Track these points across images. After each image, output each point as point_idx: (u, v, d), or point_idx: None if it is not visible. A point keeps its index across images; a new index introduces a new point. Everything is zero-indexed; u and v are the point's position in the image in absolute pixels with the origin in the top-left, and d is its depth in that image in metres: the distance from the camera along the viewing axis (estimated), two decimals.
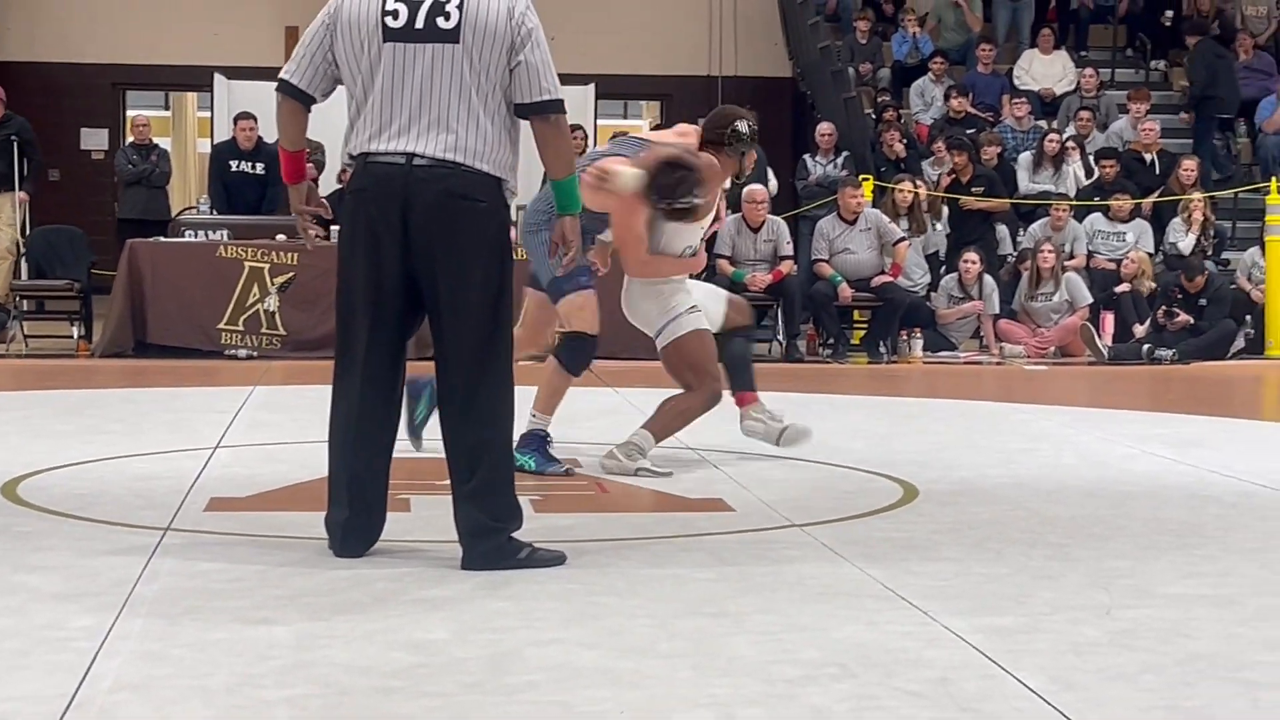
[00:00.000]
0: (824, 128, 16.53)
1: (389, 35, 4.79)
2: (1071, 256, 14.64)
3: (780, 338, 13.67)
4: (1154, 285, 14.24)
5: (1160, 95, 18.69)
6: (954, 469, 7.04)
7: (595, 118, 16.69)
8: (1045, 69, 18.32)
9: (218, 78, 16.60)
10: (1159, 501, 6.29)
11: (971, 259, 13.87)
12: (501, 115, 4.85)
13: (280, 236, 13.26)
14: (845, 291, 13.38)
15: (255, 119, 14.59)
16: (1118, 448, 7.93)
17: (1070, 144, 16.42)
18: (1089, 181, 15.84)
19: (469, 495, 4.85)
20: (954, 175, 15.19)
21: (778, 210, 15.55)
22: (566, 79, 14.15)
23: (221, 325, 12.97)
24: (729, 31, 19.95)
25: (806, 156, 16.66)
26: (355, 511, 4.95)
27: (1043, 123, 17.29)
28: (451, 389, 4.87)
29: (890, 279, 13.47)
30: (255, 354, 12.84)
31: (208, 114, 18.04)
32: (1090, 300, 13.85)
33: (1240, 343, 13.89)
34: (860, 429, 8.65)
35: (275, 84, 4.97)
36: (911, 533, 5.57)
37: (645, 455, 6.87)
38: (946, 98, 17.36)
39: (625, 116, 22.72)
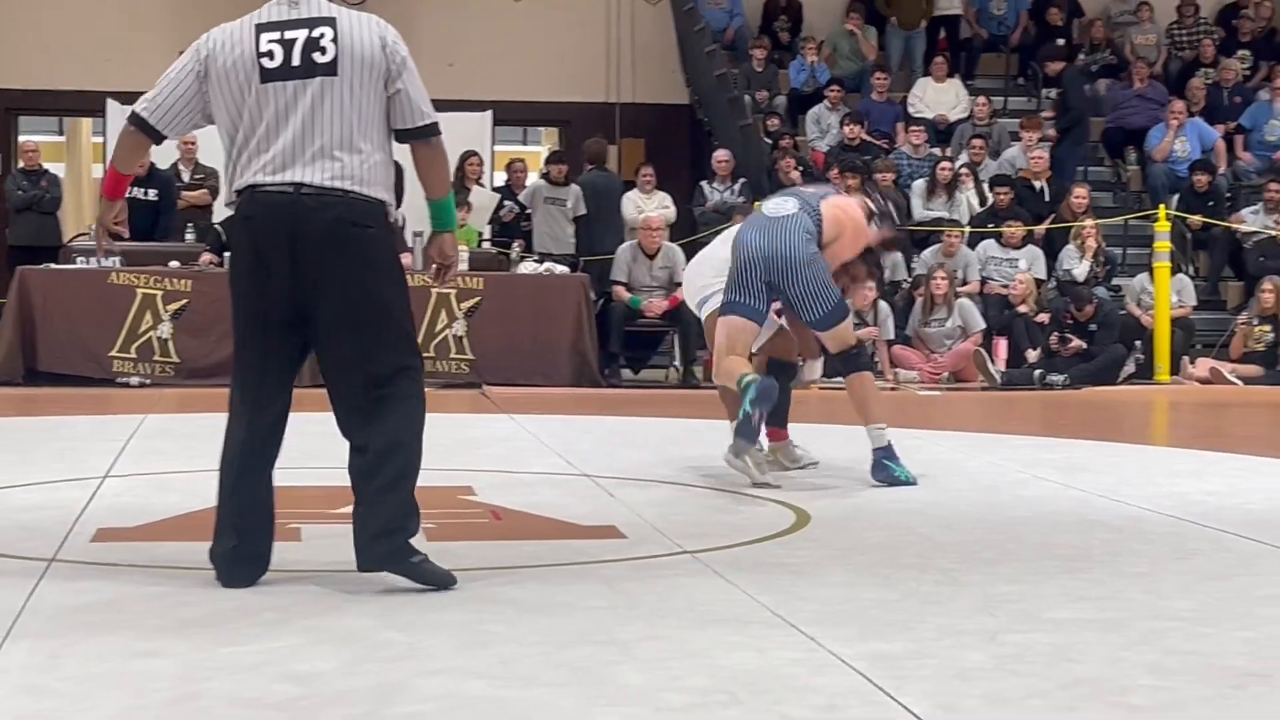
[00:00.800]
0: (721, 154, 16.60)
1: (266, 76, 4.95)
2: (965, 283, 14.77)
3: (677, 364, 13.70)
4: (1039, 309, 14.40)
5: (1052, 124, 18.92)
6: (846, 494, 7.08)
7: (493, 143, 16.68)
8: (939, 97, 18.51)
9: (111, 103, 16.44)
10: (1048, 526, 6.34)
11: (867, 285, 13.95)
12: (380, 141, 4.99)
13: (174, 263, 13.15)
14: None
15: None
16: (1008, 472, 8.00)
17: (964, 171, 16.60)
18: (982, 208, 16.01)
19: (372, 498, 4.91)
20: None
21: (675, 236, 15.60)
22: (465, 105, 14.12)
23: (113, 353, 12.84)
24: (627, 58, 20.01)
25: (704, 183, 16.73)
26: (242, 539, 4.95)
27: (937, 150, 17.46)
28: (352, 409, 4.93)
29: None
30: (148, 382, 12.71)
31: (102, 139, 17.85)
32: (983, 326, 13.98)
33: (1130, 368, 14.06)
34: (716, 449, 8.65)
35: (131, 118, 5.06)
36: (802, 558, 5.58)
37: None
38: (842, 125, 17.52)
39: (524, 142, 22.69)
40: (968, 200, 16.39)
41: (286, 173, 4.89)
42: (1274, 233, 15.47)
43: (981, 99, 18.39)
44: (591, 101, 19.92)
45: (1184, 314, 14.33)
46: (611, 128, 19.88)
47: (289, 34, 4.98)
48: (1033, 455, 8.75)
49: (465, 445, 8.81)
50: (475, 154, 15.74)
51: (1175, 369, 13.73)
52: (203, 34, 5.11)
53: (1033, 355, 13.97)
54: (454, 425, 9.12)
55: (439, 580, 4.91)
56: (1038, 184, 16.52)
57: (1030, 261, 15.11)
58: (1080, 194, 15.65)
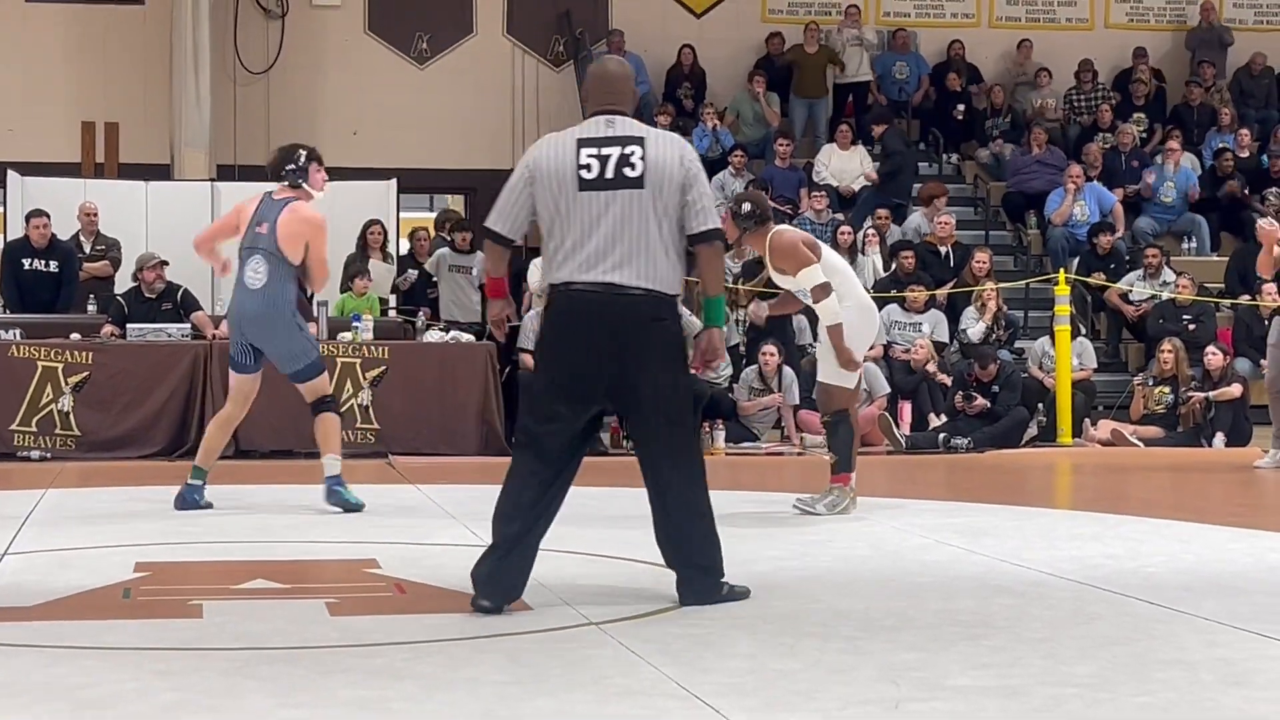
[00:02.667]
0: None
1: (584, 185, 5.79)
2: (870, 347, 14.87)
3: None
4: (942, 372, 14.54)
5: (954, 189, 19.17)
6: (751, 562, 7.10)
7: (398, 211, 16.65)
8: (843, 163, 18.69)
9: (11, 174, 16.33)
10: (950, 592, 6.40)
11: (770, 351, 14.04)
12: (675, 244, 5.85)
13: (75, 335, 13.04)
14: None
15: (48, 216, 14.39)
16: (912, 538, 8.06)
17: (871, 234, 16.76)
18: (886, 273, 16.17)
19: (682, 560, 6.01)
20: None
21: None
22: (368, 173, 14.09)
23: (13, 426, 12.70)
24: (531, 125, 20.05)
25: None
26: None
27: (840, 215, 17.61)
28: (655, 467, 5.99)
29: (693, 371, 13.57)
30: (49, 455, 12.59)
31: (1, 210, 17.71)
32: (888, 390, 14.10)
33: (1033, 430, 14.19)
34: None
35: (485, 232, 6.05)
36: (708, 629, 5.60)
37: None
38: (746, 187, 17.62)
39: (431, 209, 22.68)
40: (873, 264, 16.54)
41: (598, 270, 5.77)
42: (1173, 295, 15.69)
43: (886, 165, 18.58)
44: (497, 169, 19.86)
45: (1085, 376, 14.50)
46: None
47: (606, 150, 5.81)
48: (936, 520, 8.82)
49: (370, 516, 8.78)
50: (378, 222, 15.74)
51: (1077, 431, 13.87)
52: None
53: (937, 419, 14.09)
54: (359, 495, 9.09)
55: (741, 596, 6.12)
56: (943, 249, 16.69)
57: (933, 325, 15.26)
58: (981, 258, 15.84)
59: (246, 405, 9.17)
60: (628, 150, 5.82)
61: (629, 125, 5.89)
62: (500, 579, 5.86)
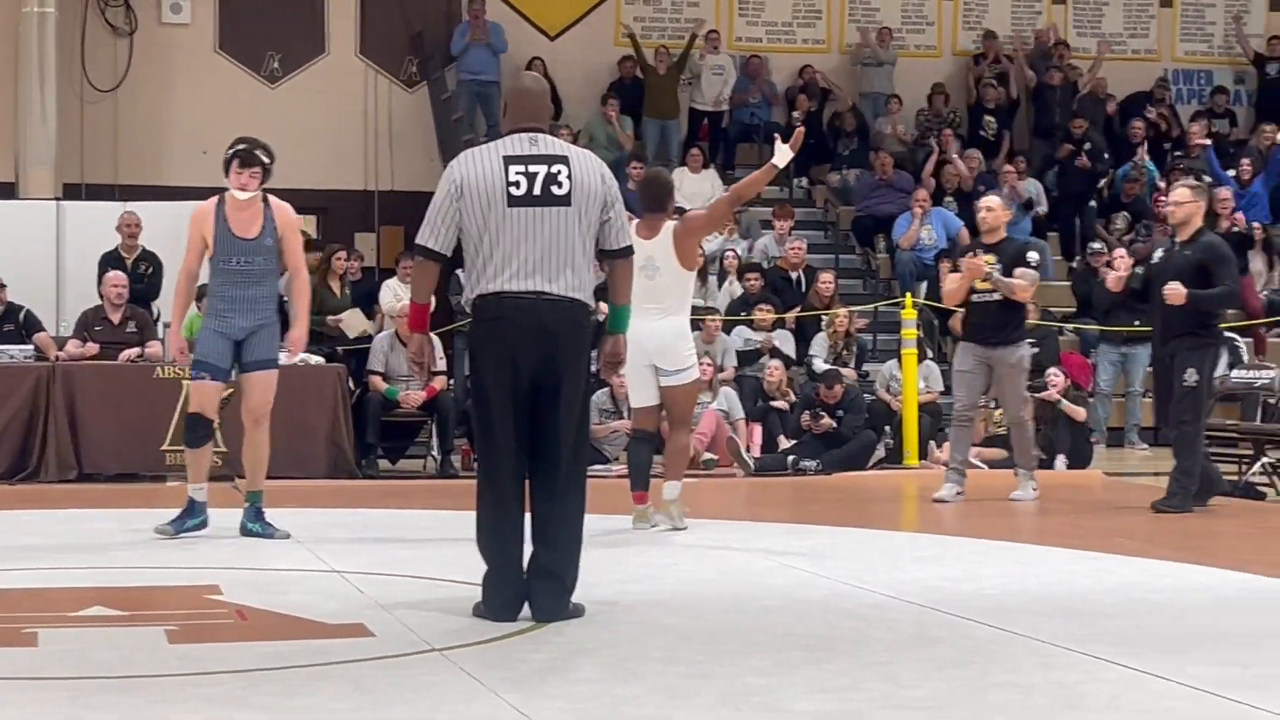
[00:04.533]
0: None
1: (513, 202, 6.03)
2: (722, 369, 14.96)
3: (435, 454, 13.66)
4: (791, 395, 14.65)
5: (804, 212, 19.34)
6: (596, 586, 7.08)
7: None
8: (695, 186, 18.76)
9: None
10: (795, 615, 6.44)
11: (621, 374, 14.03)
12: (591, 257, 6.17)
13: None
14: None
15: None
16: (758, 560, 8.11)
17: (730, 256, 16.84)
18: (736, 296, 16.26)
19: (545, 567, 6.12)
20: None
21: (433, 326, 15.53)
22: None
23: None
24: (384, 145, 19.97)
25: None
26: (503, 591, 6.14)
27: None
28: (553, 467, 6.11)
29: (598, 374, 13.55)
30: None
31: None
32: (742, 414, 14.16)
33: (880, 453, 14.31)
34: None
35: (418, 249, 6.19)
36: (552, 654, 5.60)
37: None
38: None
39: None
40: (729, 288, 16.62)
41: (530, 281, 6.02)
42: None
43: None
44: (349, 189, 19.82)
45: (931, 399, 14.65)
46: (370, 215, 19.82)
47: (533, 168, 6.04)
48: (783, 542, 8.87)
49: (214, 541, 8.67)
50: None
51: (923, 454, 14.01)
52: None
53: (785, 442, 14.17)
54: (209, 520, 8.96)
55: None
56: (794, 274, 16.81)
57: (781, 347, 15.36)
58: (826, 279, 15.98)
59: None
60: (554, 169, 6.09)
61: (551, 143, 6.17)
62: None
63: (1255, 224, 18.41)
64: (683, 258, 9.23)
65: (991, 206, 11.12)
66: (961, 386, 11.22)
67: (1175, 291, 10.28)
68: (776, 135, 10.27)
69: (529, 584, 6.19)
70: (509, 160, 6.08)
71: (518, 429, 6.09)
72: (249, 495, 8.93)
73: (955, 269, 11.52)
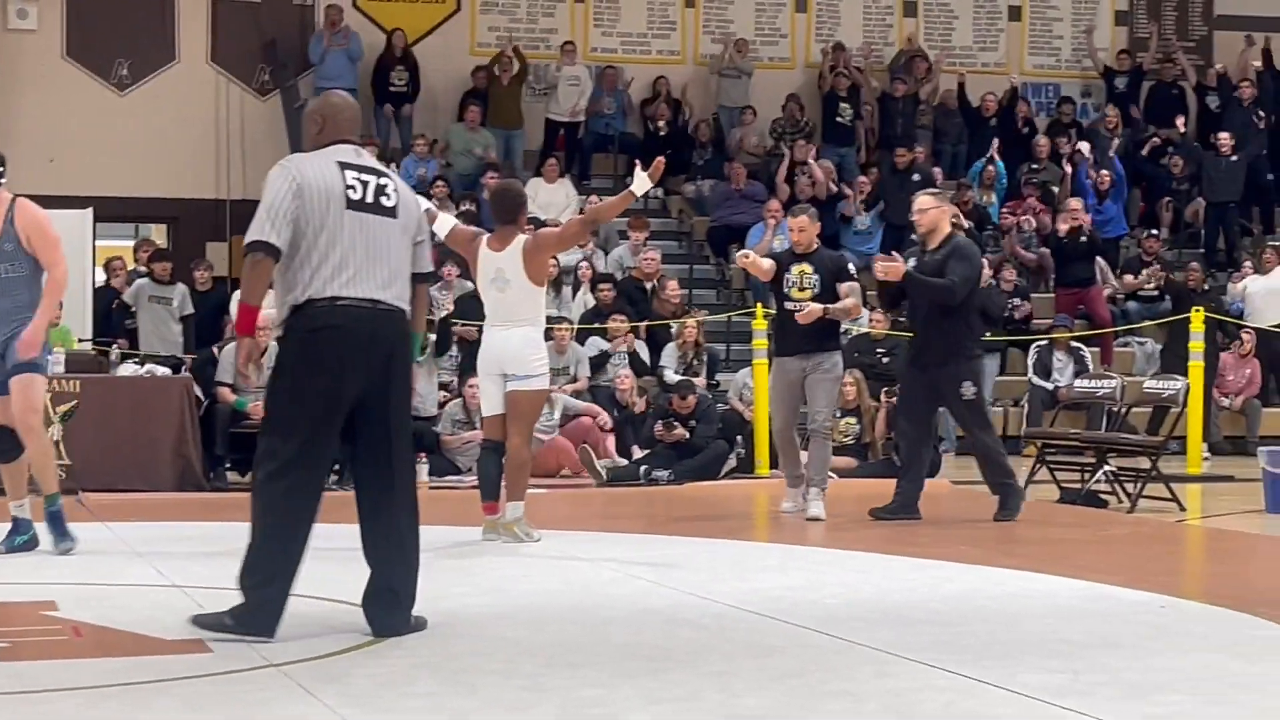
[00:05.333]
0: None
1: (350, 204, 5.99)
2: (575, 380, 14.99)
3: None
4: (641, 405, 14.72)
5: (659, 223, 19.43)
6: (441, 599, 7.08)
7: (94, 240, 16.20)
8: (550, 196, 18.82)
9: None
10: (636, 626, 6.48)
11: (475, 384, 13.98)
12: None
13: None
14: None
15: None
16: (604, 571, 8.15)
17: (584, 267, 16.87)
18: (589, 307, 16.31)
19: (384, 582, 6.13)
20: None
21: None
22: (64, 201, 13.76)
23: None
24: (236, 153, 19.81)
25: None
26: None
27: None
28: (386, 482, 6.11)
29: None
30: None
31: None
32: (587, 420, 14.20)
33: (732, 462, 14.41)
34: (352, 558, 8.60)
35: (257, 246, 5.92)
36: (390, 668, 5.60)
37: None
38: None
39: (135, 237, 22.20)
40: (582, 298, 16.66)
41: (363, 288, 5.95)
42: (867, 329, 16.07)
43: (594, 198, 18.72)
44: (200, 197, 19.64)
45: None
46: (221, 225, 19.64)
47: (365, 176, 6.03)
48: (630, 553, 8.93)
49: (53, 556, 8.55)
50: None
51: (775, 463, 14.11)
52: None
53: (638, 452, 14.23)
54: (46, 534, 8.82)
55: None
56: (648, 284, 16.88)
57: (632, 358, 15.44)
58: (672, 288, 16.07)
59: None
60: (382, 181, 6.11)
61: (370, 158, 6.22)
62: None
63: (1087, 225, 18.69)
64: (532, 273, 9.24)
65: (803, 226, 11.04)
66: (779, 407, 11.06)
67: (893, 266, 10.48)
68: (637, 162, 10.26)
69: (368, 600, 6.17)
70: (343, 165, 6.06)
71: (331, 443, 6.04)
72: (45, 500, 8.65)
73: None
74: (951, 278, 10.42)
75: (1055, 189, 20.07)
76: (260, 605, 5.96)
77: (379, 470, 6.12)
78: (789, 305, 10.87)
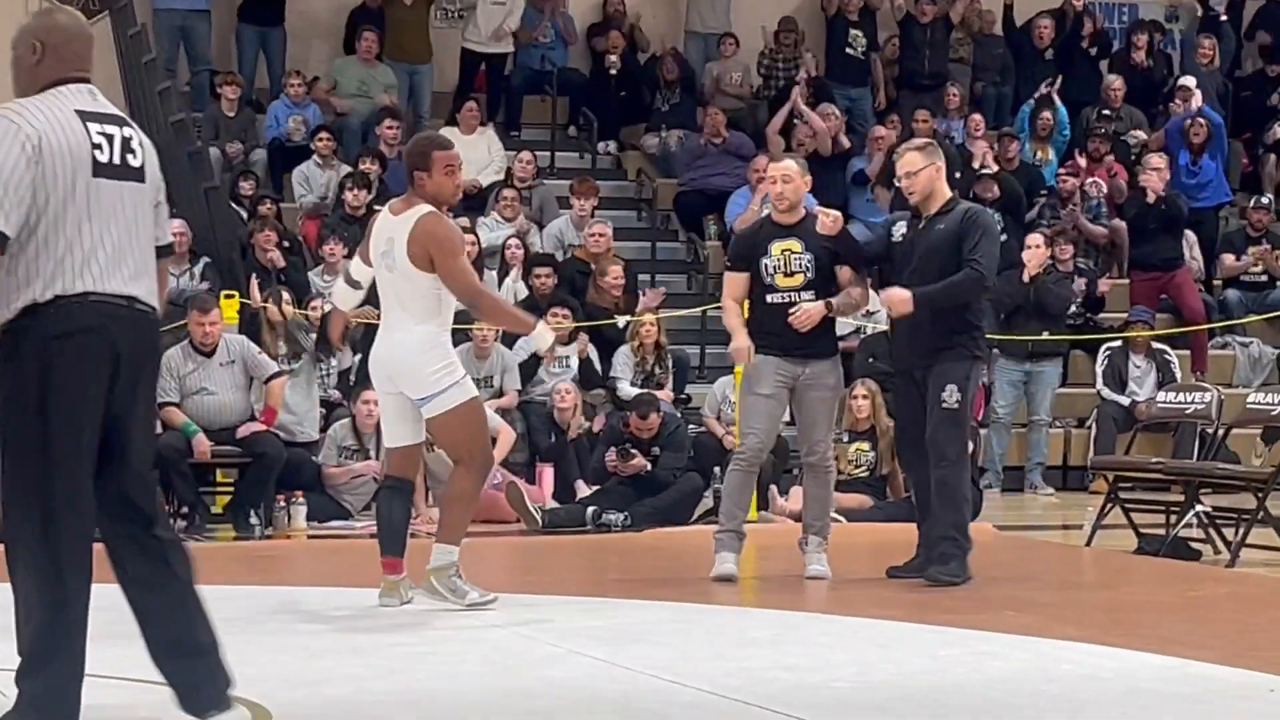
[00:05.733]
0: (175, 226, 16.47)
1: (98, 170, 5.74)
2: (500, 393, 14.96)
3: None
4: (587, 425, 14.73)
5: (611, 187, 19.44)
6: (328, 682, 7.07)
7: None
8: (469, 152, 18.73)
9: None
10: None
11: (370, 399, 13.91)
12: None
13: None
14: (202, 444, 13.33)
15: None
16: (539, 646, 8.13)
17: (513, 246, 16.84)
18: (521, 297, 16.29)
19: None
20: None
21: None
22: None
23: None
24: None
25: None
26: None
27: (464, 219, 17.67)
28: (150, 524, 5.88)
29: (263, 427, 13.51)
30: None
31: None
32: (512, 435, 14.16)
33: (708, 501, 14.37)
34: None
35: None
36: None
37: (461, 579, 9.11)
38: (342, 189, 17.49)
39: None
40: (511, 287, 16.63)
41: (115, 281, 5.75)
42: (885, 328, 16.04)
43: (525, 155, 18.72)
44: None
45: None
46: None
47: (108, 128, 5.80)
48: (575, 621, 8.92)
49: None
50: None
51: (763, 503, 14.09)
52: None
53: (585, 489, 14.22)
54: None
55: None
56: (595, 267, 16.87)
57: (579, 366, 15.44)
58: (615, 274, 16.02)
59: None
60: (126, 133, 5.86)
61: (104, 101, 5.92)
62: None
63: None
64: (413, 256, 9.14)
65: (789, 175, 10.82)
66: (758, 418, 10.74)
67: (900, 297, 10.28)
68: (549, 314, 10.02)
69: (168, 674, 5.97)
70: (84, 116, 5.77)
71: (87, 469, 5.81)
72: None
73: (726, 265, 11.28)
74: (975, 260, 10.29)
75: (1132, 142, 20.17)
76: (46, 697, 5.75)
77: (140, 510, 5.88)
78: (772, 299, 10.63)
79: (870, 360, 15.44)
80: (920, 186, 10.46)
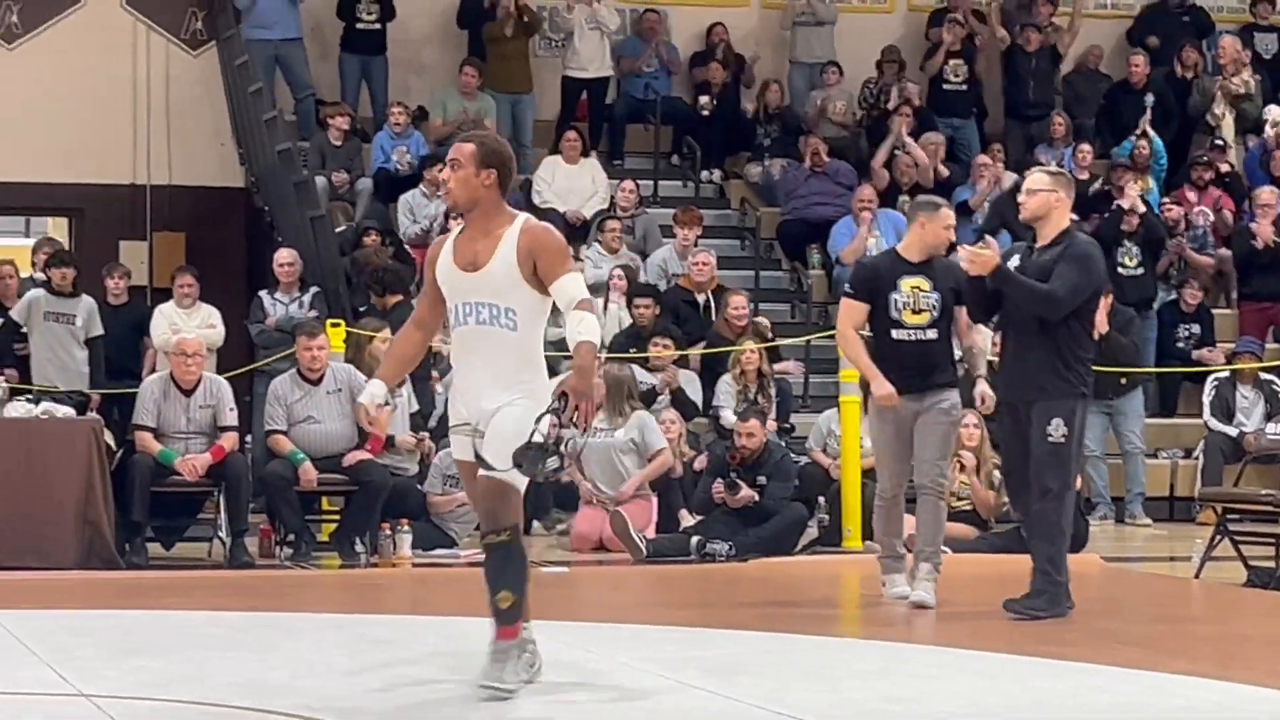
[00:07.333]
0: (284, 255, 16.61)
1: None
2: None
3: (223, 535, 13.59)
4: (691, 453, 14.74)
5: (715, 216, 19.44)
6: (434, 710, 7.10)
7: None
8: (570, 181, 18.83)
9: None
10: None
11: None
12: None
13: None
14: (308, 472, 13.40)
15: None
16: (646, 678, 8.14)
17: (617, 276, 16.87)
18: (624, 327, 16.31)
19: None
20: None
21: (227, 364, 15.50)
22: None
23: None
24: (159, 123, 19.88)
25: (264, 293, 16.71)
26: None
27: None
28: None
29: (369, 455, 13.57)
30: None
31: None
32: (664, 445, 14.20)
33: (813, 531, 14.37)
34: (315, 662, 8.64)
35: None
36: None
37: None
38: (447, 217, 17.55)
39: (27, 234, 22.36)
40: (616, 315, 16.64)
41: None
42: (992, 356, 16.00)
43: (628, 184, 18.75)
44: (113, 183, 19.73)
45: None
46: (140, 216, 19.72)
47: None
48: (681, 652, 8.92)
49: None
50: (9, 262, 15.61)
51: (868, 533, 14.07)
52: None
53: (689, 518, 14.22)
54: None
55: None
56: (700, 296, 16.88)
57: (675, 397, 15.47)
58: (738, 305, 16.00)
59: None
60: None
61: None
62: None
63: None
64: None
65: (951, 223, 10.90)
66: (890, 459, 10.93)
67: (983, 255, 10.26)
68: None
69: None
70: None
71: None
72: None
73: (845, 292, 11.20)
74: (1057, 284, 10.23)
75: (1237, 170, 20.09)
76: None
77: None
78: (898, 334, 10.80)
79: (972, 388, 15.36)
80: (1033, 206, 10.46)
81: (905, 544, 11.07)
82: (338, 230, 17.68)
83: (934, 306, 10.73)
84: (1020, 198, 10.70)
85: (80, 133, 19.41)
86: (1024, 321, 10.35)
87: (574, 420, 7.29)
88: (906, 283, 10.77)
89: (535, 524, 14.84)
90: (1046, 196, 10.43)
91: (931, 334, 10.75)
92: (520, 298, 7.58)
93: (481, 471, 7.58)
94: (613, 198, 18.72)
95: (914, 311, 10.76)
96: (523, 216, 7.70)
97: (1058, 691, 7.87)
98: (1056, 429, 10.22)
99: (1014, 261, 10.59)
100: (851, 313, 10.99)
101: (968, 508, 13.89)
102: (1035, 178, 10.64)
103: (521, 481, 7.60)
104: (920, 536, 10.86)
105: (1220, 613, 10.57)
